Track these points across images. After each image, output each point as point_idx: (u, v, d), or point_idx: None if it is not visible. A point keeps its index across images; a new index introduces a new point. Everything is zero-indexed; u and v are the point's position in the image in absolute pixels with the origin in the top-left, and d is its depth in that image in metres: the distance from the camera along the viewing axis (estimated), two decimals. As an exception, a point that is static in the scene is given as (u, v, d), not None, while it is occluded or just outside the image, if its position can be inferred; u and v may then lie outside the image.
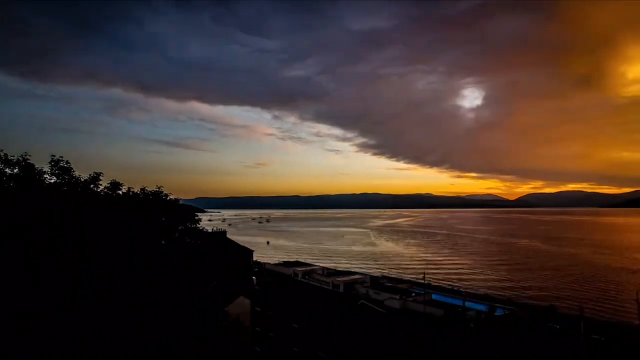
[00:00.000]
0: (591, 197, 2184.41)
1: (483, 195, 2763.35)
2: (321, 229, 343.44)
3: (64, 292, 21.71)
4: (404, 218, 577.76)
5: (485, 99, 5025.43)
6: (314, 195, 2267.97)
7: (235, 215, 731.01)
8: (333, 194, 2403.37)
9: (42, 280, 21.25)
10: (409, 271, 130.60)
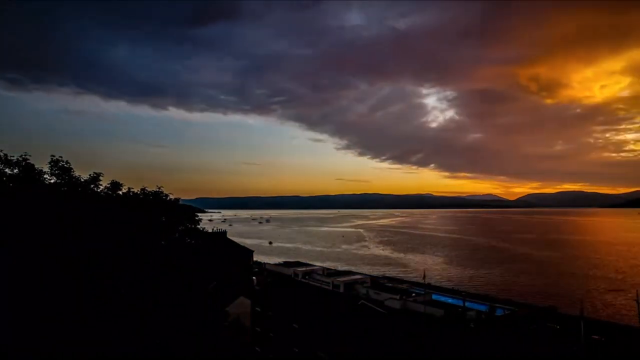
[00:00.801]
0: (591, 197, 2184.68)
1: (483, 195, 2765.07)
2: (307, 229, 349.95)
3: (64, 292, 21.72)
4: (388, 218, 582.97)
5: (454, 103, 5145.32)
6: (314, 195, 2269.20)
7: (235, 215, 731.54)
8: (333, 194, 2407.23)
9: (42, 280, 21.27)
10: (350, 261, 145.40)
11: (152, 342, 23.13)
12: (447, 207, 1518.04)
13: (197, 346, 26.27)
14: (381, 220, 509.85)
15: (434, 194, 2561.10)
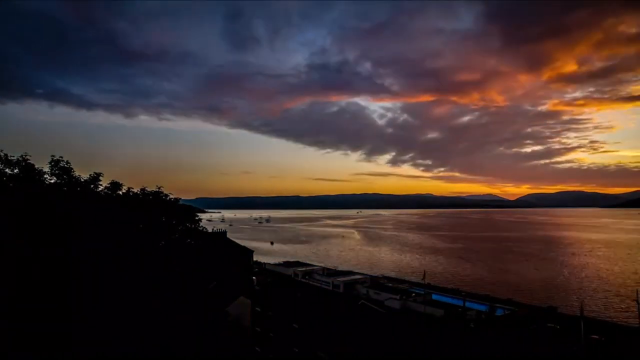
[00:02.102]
0: (591, 197, 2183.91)
1: (483, 195, 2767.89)
2: (304, 229, 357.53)
3: (65, 292, 21.74)
4: (362, 218, 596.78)
5: (403, 109, 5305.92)
6: (314, 195, 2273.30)
7: (235, 215, 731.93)
8: (333, 194, 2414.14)
9: (42, 280, 21.28)
10: (346, 256, 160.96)
11: (152, 342, 23.14)
12: (447, 207, 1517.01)
13: (197, 346, 26.30)
14: (345, 220, 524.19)
15: (435, 194, 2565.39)
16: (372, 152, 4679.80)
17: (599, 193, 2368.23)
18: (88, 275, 23.18)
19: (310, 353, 45.92)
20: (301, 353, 46.20)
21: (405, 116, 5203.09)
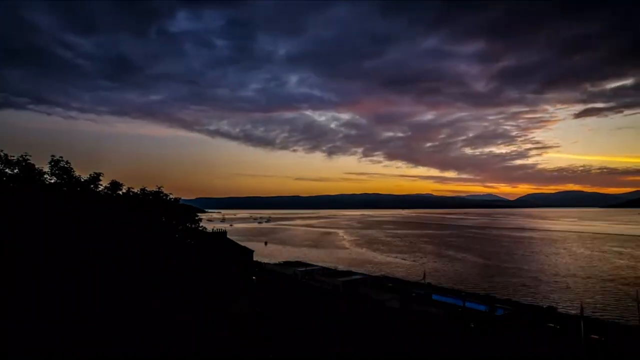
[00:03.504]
0: (591, 197, 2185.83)
1: (483, 195, 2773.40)
2: (302, 228, 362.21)
3: (65, 292, 21.73)
4: (337, 218, 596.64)
5: (368, 118, 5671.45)
6: (313, 195, 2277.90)
7: (235, 215, 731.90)
8: (332, 194, 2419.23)
9: (42, 280, 21.27)
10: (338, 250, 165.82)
11: (152, 342, 23.14)
12: (448, 207, 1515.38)
13: (197, 346, 26.29)
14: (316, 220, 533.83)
15: (435, 193, 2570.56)
16: (335, 152, 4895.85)
17: (599, 193, 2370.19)
18: (88, 275, 23.18)
19: (311, 353, 45.90)
20: (301, 353, 46.17)
21: (362, 120, 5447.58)
